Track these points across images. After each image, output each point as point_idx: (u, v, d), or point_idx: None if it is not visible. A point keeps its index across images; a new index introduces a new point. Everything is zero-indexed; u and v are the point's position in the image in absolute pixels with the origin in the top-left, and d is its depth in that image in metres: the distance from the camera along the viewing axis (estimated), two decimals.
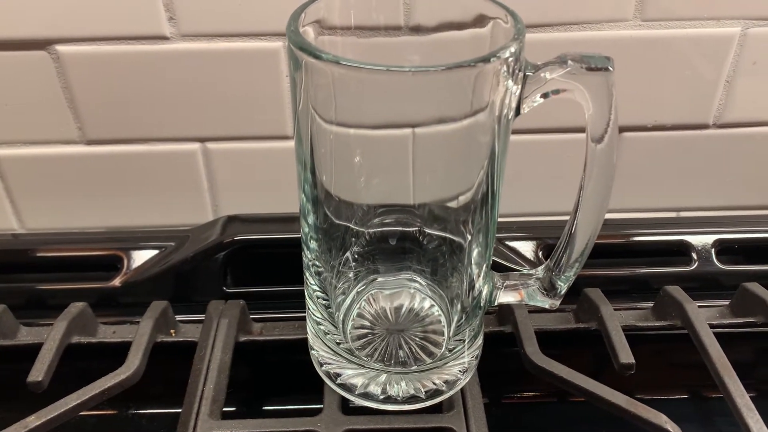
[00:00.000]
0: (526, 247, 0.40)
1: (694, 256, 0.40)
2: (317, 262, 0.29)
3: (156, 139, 0.42)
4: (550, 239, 0.40)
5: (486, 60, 0.22)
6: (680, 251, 0.40)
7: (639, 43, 0.39)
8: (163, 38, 0.38)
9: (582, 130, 0.41)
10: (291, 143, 0.42)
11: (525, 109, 0.25)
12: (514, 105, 0.25)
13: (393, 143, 0.27)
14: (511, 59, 0.23)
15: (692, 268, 0.40)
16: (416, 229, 0.31)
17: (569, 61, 0.23)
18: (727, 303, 0.37)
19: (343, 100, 0.24)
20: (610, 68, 0.23)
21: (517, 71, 0.24)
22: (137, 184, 0.43)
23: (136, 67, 0.39)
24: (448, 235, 0.30)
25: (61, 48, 0.38)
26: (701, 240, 0.40)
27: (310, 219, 0.28)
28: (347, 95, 0.24)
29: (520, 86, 0.24)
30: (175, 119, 0.41)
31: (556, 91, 0.24)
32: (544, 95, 0.25)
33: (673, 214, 0.47)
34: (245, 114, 0.41)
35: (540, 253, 0.40)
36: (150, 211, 0.45)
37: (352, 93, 0.24)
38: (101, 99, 0.40)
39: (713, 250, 0.40)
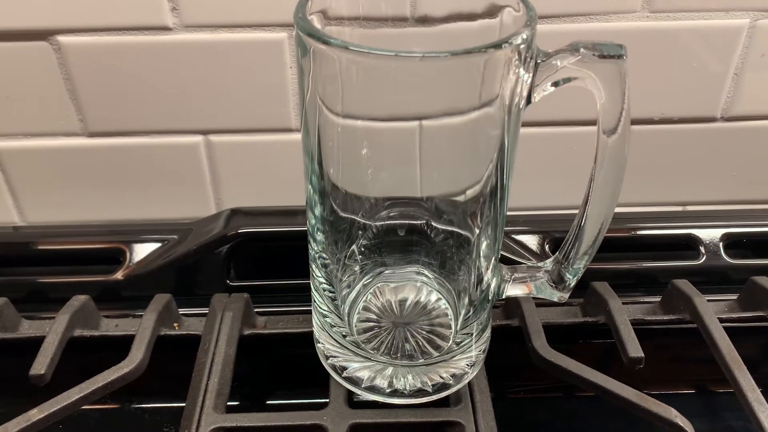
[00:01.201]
0: (533, 241, 0.40)
1: (702, 250, 0.40)
2: (324, 254, 0.29)
3: (158, 131, 0.41)
4: (556, 233, 0.40)
5: (497, 46, 0.21)
6: (688, 245, 0.40)
7: (646, 35, 0.39)
8: (166, 29, 0.37)
9: (589, 122, 0.42)
10: (294, 136, 0.42)
11: (536, 98, 0.25)
12: (525, 94, 0.24)
13: (400, 136, 0.27)
14: (522, 46, 0.22)
15: (700, 262, 0.39)
16: (424, 222, 0.30)
17: (581, 49, 0.23)
18: (735, 297, 0.37)
19: (350, 89, 0.24)
20: (624, 56, 0.23)
21: (528, 59, 0.23)
22: (139, 177, 0.43)
23: (138, 58, 0.38)
24: (456, 229, 0.30)
25: (62, 38, 0.37)
26: (709, 234, 0.40)
27: (317, 211, 0.28)
28: (355, 83, 0.24)
29: (531, 75, 0.24)
30: (177, 111, 0.40)
31: (568, 80, 0.24)
32: (555, 84, 0.24)
33: (679, 208, 0.46)
34: (248, 106, 0.40)
35: (546, 247, 0.39)
36: (152, 205, 0.44)
37: (360, 81, 0.24)
38: (103, 90, 0.39)
39: (721, 244, 0.40)
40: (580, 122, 0.42)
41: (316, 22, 0.26)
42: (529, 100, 0.25)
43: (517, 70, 0.23)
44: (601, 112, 0.25)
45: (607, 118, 0.25)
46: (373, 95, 0.25)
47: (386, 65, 0.22)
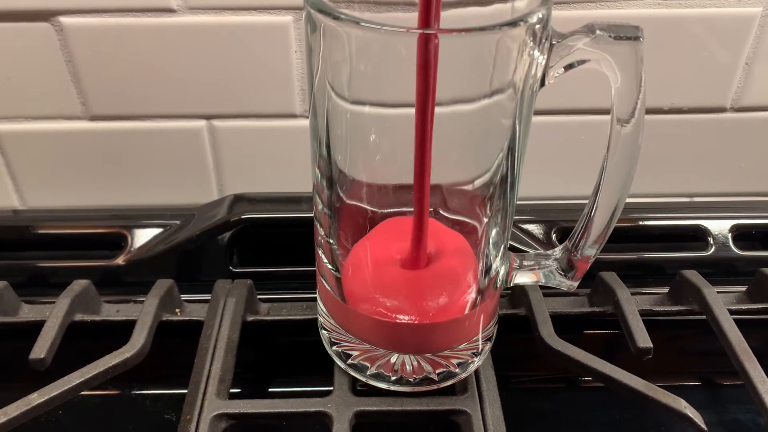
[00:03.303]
0: (539, 230, 0.39)
1: (711, 241, 0.39)
2: (330, 240, 0.29)
3: (161, 115, 0.41)
4: (564, 222, 0.39)
5: (513, 24, 0.21)
6: (697, 236, 0.40)
7: (657, 23, 0.38)
8: (170, 11, 0.37)
9: (597, 111, 0.41)
10: (298, 122, 0.41)
11: (550, 80, 0.24)
12: (539, 76, 0.24)
13: (409, 122, 0.26)
14: (538, 26, 0.22)
15: (709, 253, 0.39)
16: (432, 209, 0.30)
17: (597, 30, 0.23)
18: (744, 289, 0.37)
19: (359, 70, 0.23)
20: (641, 38, 0.23)
21: (543, 39, 0.23)
22: (141, 161, 0.42)
23: (141, 40, 0.38)
24: (464, 217, 0.29)
25: (64, 19, 0.37)
26: (718, 225, 0.40)
27: (324, 196, 0.28)
28: (364, 63, 0.23)
29: (545, 56, 0.23)
30: (180, 95, 0.40)
31: (582, 62, 0.23)
32: (569, 66, 0.24)
33: (687, 199, 0.46)
34: (253, 91, 0.40)
35: (554, 236, 0.39)
36: (154, 190, 0.44)
37: (369, 60, 0.23)
38: (105, 73, 0.39)
39: (730, 235, 0.39)
40: (588, 111, 0.41)
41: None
42: (543, 83, 0.24)
43: (531, 52, 0.23)
44: (616, 96, 0.24)
45: (622, 102, 0.24)
46: (382, 76, 0.24)
47: (396, 42, 0.21)
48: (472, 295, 0.28)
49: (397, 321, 0.27)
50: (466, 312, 0.28)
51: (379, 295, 0.28)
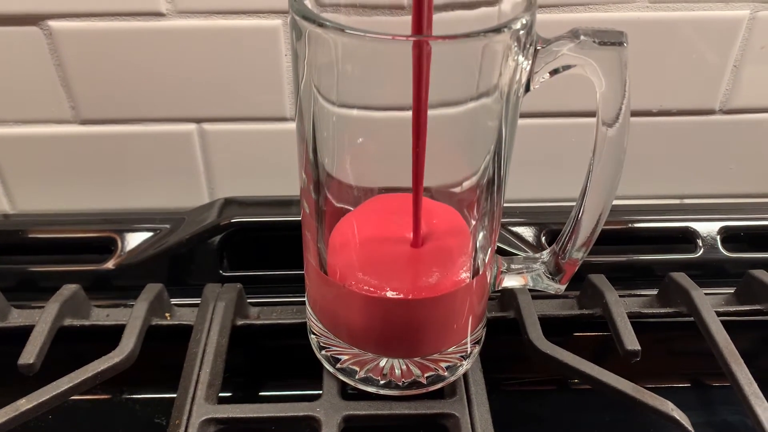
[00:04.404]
0: (529, 233, 0.39)
1: (700, 243, 0.39)
2: (319, 244, 0.29)
3: (151, 119, 0.41)
4: (553, 224, 0.39)
5: (497, 30, 0.21)
6: (685, 238, 0.40)
7: (646, 26, 0.39)
8: (159, 15, 0.37)
9: (586, 113, 0.41)
10: (289, 125, 0.41)
11: (535, 86, 0.24)
12: (524, 81, 0.24)
13: (396, 126, 0.26)
14: (522, 32, 0.22)
15: (697, 255, 0.39)
16: None
17: (581, 36, 0.23)
18: (732, 290, 0.37)
19: (345, 75, 0.24)
20: (624, 43, 0.23)
21: (528, 45, 0.23)
22: (131, 165, 0.42)
23: (131, 45, 0.38)
24: None
25: (53, 23, 0.37)
26: (706, 227, 0.40)
27: (312, 199, 0.28)
28: (350, 69, 0.23)
29: (530, 62, 0.23)
30: (170, 99, 0.40)
31: (568, 67, 0.24)
32: (555, 71, 0.24)
33: (676, 201, 0.46)
34: (243, 94, 0.40)
35: (543, 239, 0.39)
36: (144, 193, 0.44)
37: (355, 66, 0.23)
38: (95, 77, 0.39)
39: (719, 237, 0.40)
40: (577, 113, 0.41)
41: (311, 7, 0.25)
42: (528, 88, 0.24)
43: (516, 57, 0.23)
44: (601, 101, 0.24)
45: (606, 107, 0.24)
46: (369, 82, 0.24)
47: (382, 49, 0.21)
48: (466, 270, 0.28)
49: (388, 297, 0.27)
50: (464, 285, 0.28)
51: (368, 270, 0.27)
